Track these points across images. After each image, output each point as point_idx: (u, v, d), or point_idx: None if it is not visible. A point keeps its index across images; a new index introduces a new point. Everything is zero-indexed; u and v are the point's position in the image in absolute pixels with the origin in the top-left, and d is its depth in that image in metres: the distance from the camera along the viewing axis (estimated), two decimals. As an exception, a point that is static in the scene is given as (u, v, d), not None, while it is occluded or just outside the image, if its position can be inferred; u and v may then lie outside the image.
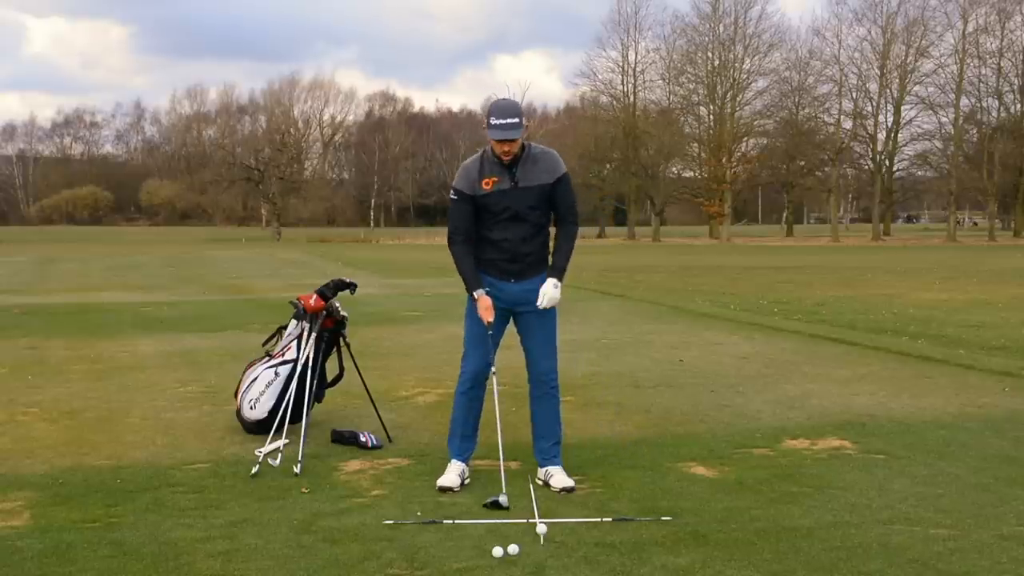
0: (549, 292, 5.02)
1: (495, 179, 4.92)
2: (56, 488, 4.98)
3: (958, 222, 72.59)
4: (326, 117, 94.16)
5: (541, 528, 4.16)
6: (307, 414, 5.77)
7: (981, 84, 64.22)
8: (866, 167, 70.79)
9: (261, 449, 5.55)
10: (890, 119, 66.87)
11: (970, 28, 62.68)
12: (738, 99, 68.90)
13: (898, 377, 8.29)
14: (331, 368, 6.31)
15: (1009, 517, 4.44)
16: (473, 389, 5.13)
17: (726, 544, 4.09)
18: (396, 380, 8.12)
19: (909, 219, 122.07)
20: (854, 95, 67.67)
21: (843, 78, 67.01)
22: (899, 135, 67.23)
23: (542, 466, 5.10)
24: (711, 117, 70.28)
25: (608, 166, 76.47)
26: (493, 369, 4.94)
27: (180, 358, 9.70)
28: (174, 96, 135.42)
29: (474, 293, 4.95)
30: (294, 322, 6.19)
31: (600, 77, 73.28)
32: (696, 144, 72.27)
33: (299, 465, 5.25)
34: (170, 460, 5.57)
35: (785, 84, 68.56)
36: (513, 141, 4.83)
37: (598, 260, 33.19)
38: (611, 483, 5.03)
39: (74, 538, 4.20)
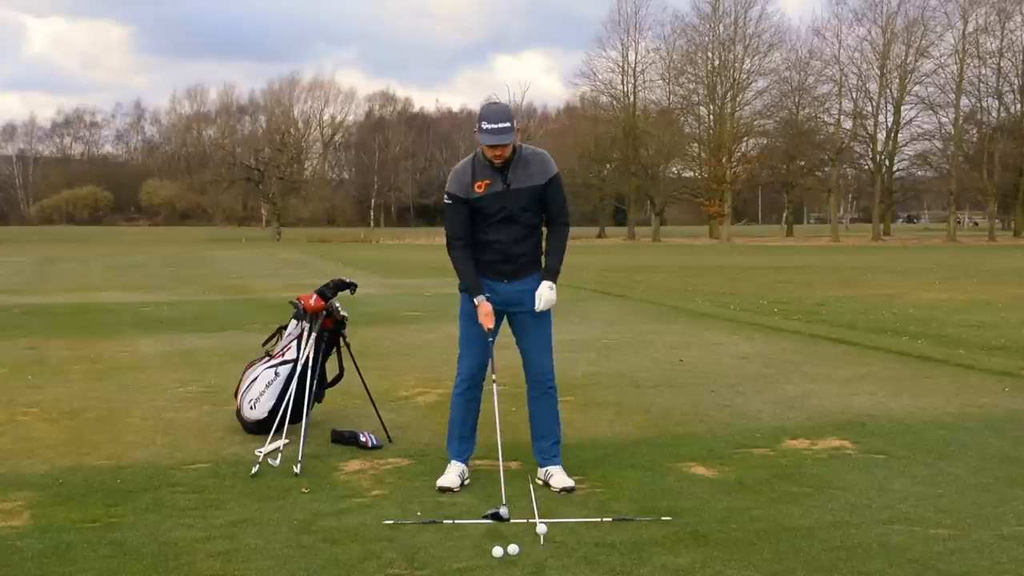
0: (545, 294, 5.02)
1: (487, 182, 4.92)
2: (56, 488, 4.98)
3: (958, 222, 72.60)
4: (326, 117, 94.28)
5: (541, 528, 4.16)
6: (307, 414, 5.77)
7: (981, 84, 64.28)
8: (866, 167, 70.79)
9: (261, 449, 5.55)
10: (890, 119, 66.97)
11: (970, 28, 62.75)
12: (738, 99, 68.90)
13: (898, 377, 8.29)
14: (331, 368, 6.31)
15: (1009, 517, 4.44)
16: (470, 390, 5.13)
17: (726, 544, 4.09)
18: (396, 380, 8.12)
19: (910, 219, 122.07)
20: (854, 95, 67.75)
21: (843, 78, 67.08)
22: (899, 135, 67.28)
23: (542, 466, 5.10)
24: (711, 117, 70.28)
25: (608, 166, 76.47)
26: (494, 377, 4.93)
27: (180, 358, 9.70)
28: (174, 96, 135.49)
29: (475, 299, 4.94)
30: (294, 322, 6.19)
31: (600, 77, 73.38)
32: (696, 144, 72.26)
33: (299, 465, 5.25)
34: (170, 460, 5.57)
35: (785, 84, 68.60)
36: (505, 146, 4.83)
37: (598, 260, 33.20)
38: (611, 483, 5.03)
39: (74, 538, 4.20)
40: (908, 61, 64.81)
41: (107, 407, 7.13)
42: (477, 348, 5.06)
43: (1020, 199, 65.74)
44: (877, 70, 65.69)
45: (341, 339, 6.21)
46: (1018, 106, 64.18)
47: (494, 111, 4.84)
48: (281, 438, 5.63)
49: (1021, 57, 63.23)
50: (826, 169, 71.07)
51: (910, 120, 66.99)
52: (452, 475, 5.00)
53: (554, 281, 5.06)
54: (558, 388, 5.21)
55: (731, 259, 35.81)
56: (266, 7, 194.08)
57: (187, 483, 5.08)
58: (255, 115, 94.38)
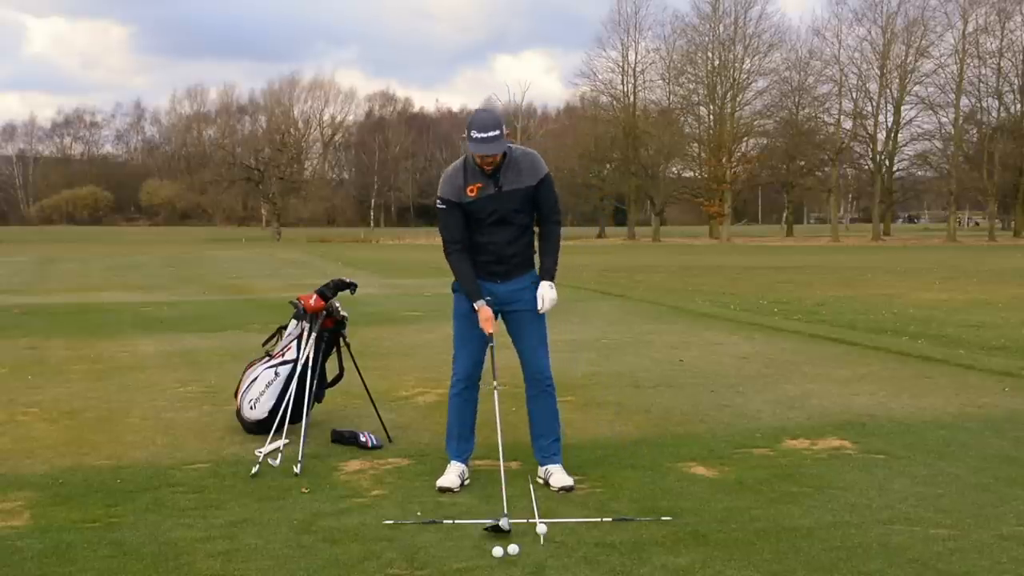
0: (547, 294, 5.03)
1: (479, 185, 4.90)
2: (56, 488, 4.98)
3: (958, 222, 72.59)
4: (326, 117, 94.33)
5: (541, 528, 4.16)
6: (307, 414, 5.77)
7: (981, 84, 64.30)
8: (866, 167, 70.79)
9: (261, 449, 5.55)
10: (890, 119, 66.99)
11: (970, 28, 62.76)
12: (738, 99, 68.91)
13: (898, 377, 8.29)
14: (331, 368, 6.31)
15: (1009, 517, 4.44)
16: (467, 390, 5.13)
17: (726, 544, 4.09)
18: (396, 380, 8.12)
19: (910, 219, 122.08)
20: (854, 95, 67.77)
21: (843, 78, 67.09)
22: (899, 135, 67.29)
23: (542, 465, 5.10)
24: (711, 117, 70.29)
25: (608, 166, 76.49)
26: (495, 384, 4.92)
27: (180, 358, 9.70)
28: (174, 96, 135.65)
29: (475, 305, 4.94)
30: (294, 322, 6.19)
31: (600, 77, 73.43)
32: (696, 144, 72.27)
33: (299, 465, 5.25)
34: (170, 460, 5.57)
35: (785, 84, 68.61)
36: (495, 155, 4.81)
37: (598, 260, 33.21)
38: (611, 483, 5.03)
39: (74, 538, 4.20)
40: (908, 61, 64.86)
41: (107, 407, 7.13)
42: (472, 348, 5.06)
43: (1020, 199, 65.74)
44: (877, 70, 65.72)
45: (341, 339, 6.21)
46: (1018, 106, 64.21)
47: (483, 119, 4.79)
48: (281, 438, 5.63)
49: (1021, 57, 63.26)
50: (826, 169, 71.08)
51: (910, 120, 67.12)
52: (452, 475, 5.00)
53: (552, 280, 5.07)
54: (557, 387, 5.21)
55: (731, 259, 35.81)
56: (266, 7, 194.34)
57: (187, 483, 5.08)
58: (255, 115, 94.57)
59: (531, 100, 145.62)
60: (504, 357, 5.02)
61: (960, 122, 64.77)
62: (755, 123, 69.81)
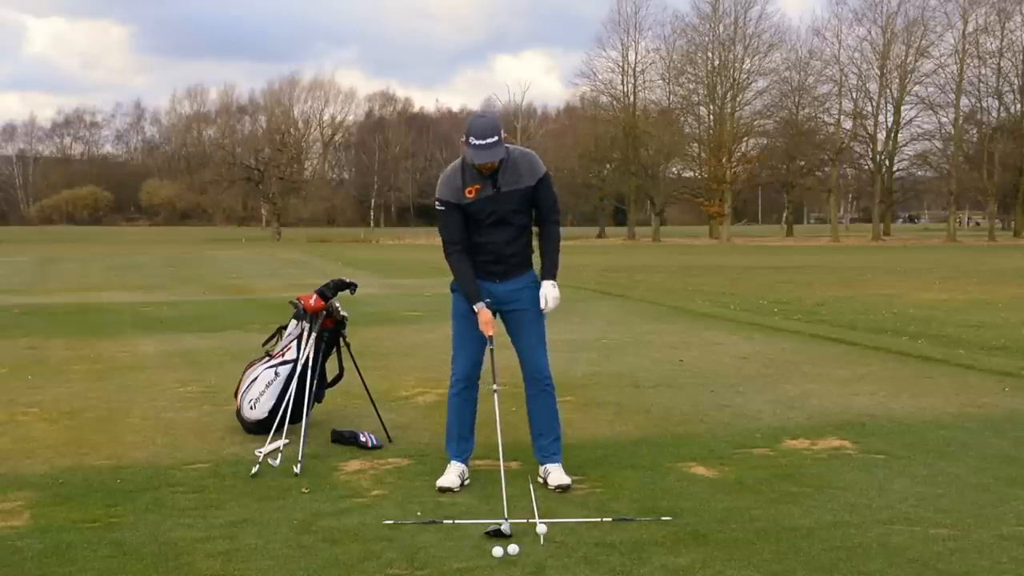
0: (550, 293, 5.03)
1: (478, 186, 4.89)
2: (56, 488, 4.98)
3: (958, 222, 72.58)
4: (326, 117, 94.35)
5: (541, 528, 4.16)
6: (307, 414, 5.77)
7: (981, 84, 64.29)
8: (866, 167, 70.79)
9: (261, 449, 5.55)
10: (890, 119, 66.98)
11: (970, 28, 62.75)
12: (738, 99, 68.91)
13: (898, 377, 8.29)
14: (331, 368, 6.31)
15: (1009, 517, 4.44)
16: (466, 390, 5.13)
17: (726, 544, 4.09)
18: (396, 380, 8.12)
19: (911, 219, 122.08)
20: (854, 95, 67.75)
21: (843, 78, 67.08)
22: (899, 135, 67.28)
23: (542, 464, 5.10)
24: (711, 117, 70.29)
25: (608, 166, 76.49)
26: (495, 386, 4.91)
27: (180, 358, 9.70)
28: (174, 96, 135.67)
29: (475, 307, 4.94)
30: (294, 322, 6.19)
31: (600, 77, 73.42)
32: (696, 144, 72.26)
33: (299, 465, 5.25)
34: (170, 460, 5.57)
35: (785, 84, 68.61)
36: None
37: (598, 260, 33.21)
38: (611, 483, 5.03)
39: (74, 538, 4.20)
40: (908, 61, 64.85)
41: (107, 407, 7.13)
42: (471, 347, 5.06)
43: (1020, 199, 65.73)
44: (877, 70, 65.71)
45: (341, 339, 6.21)
46: (1018, 106, 64.21)
47: (482, 126, 4.77)
48: (281, 438, 5.63)
49: (1021, 57, 63.25)
50: (826, 169, 71.07)
51: (910, 120, 67.11)
52: (452, 475, 5.00)
53: (555, 279, 5.07)
54: (557, 387, 5.21)
55: (731, 259, 35.82)
56: (266, 7, 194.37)
57: (187, 483, 5.08)
58: (255, 115, 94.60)
59: (531, 100, 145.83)
60: (503, 357, 5.02)
61: (960, 122, 64.77)
62: (755, 123, 69.82)
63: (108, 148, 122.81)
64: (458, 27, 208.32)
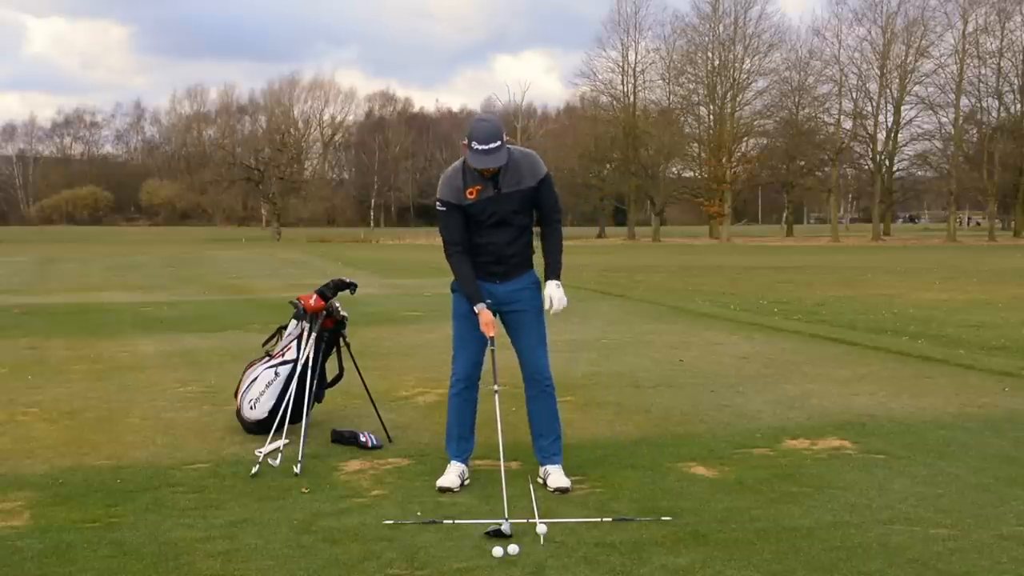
0: (554, 294, 5.03)
1: (479, 187, 4.88)
2: (56, 488, 4.98)
3: (959, 222, 72.57)
4: (326, 117, 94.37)
5: (541, 528, 4.16)
6: (307, 414, 5.77)
7: (981, 84, 64.29)
8: (866, 167, 70.79)
9: (261, 449, 5.55)
10: (890, 119, 66.98)
11: (970, 28, 62.76)
12: (738, 99, 68.91)
13: (898, 377, 8.29)
14: (331, 368, 6.31)
15: (1009, 517, 4.44)
16: (466, 390, 5.12)
17: (726, 544, 4.09)
18: (396, 380, 8.12)
19: (911, 219, 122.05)
20: (854, 95, 67.76)
21: (843, 78, 67.09)
22: (899, 135, 67.28)
23: (542, 464, 5.10)
24: (711, 117, 70.29)
25: (608, 166, 76.49)
26: (496, 387, 4.91)
27: (180, 358, 9.70)
28: (174, 96, 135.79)
29: (475, 308, 4.93)
30: (294, 322, 6.19)
31: (600, 77, 73.43)
32: (696, 144, 72.27)
33: (299, 465, 5.25)
34: (170, 460, 5.57)
35: (785, 84, 68.61)
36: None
37: (598, 260, 33.21)
38: (611, 483, 5.03)
39: (74, 538, 4.20)
40: (908, 61, 64.85)
41: (107, 407, 7.13)
42: (472, 348, 5.06)
43: (1020, 199, 65.74)
44: (877, 70, 65.72)
45: (341, 339, 6.21)
46: (1018, 106, 64.20)
47: (485, 130, 4.75)
48: (281, 438, 5.63)
49: (1021, 57, 63.25)
50: (826, 169, 71.07)
51: (910, 120, 67.11)
52: (452, 475, 5.00)
53: (558, 279, 5.07)
54: (557, 387, 5.20)
55: (731, 259, 35.82)
56: (266, 7, 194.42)
57: (187, 483, 5.08)
58: (255, 115, 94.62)
59: (531, 100, 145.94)
60: (504, 357, 5.02)
61: (960, 122, 64.77)
62: (755, 123, 69.82)
63: (108, 148, 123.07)
64: (458, 27, 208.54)
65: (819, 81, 68.66)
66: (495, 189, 4.89)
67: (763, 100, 69.96)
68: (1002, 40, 62.96)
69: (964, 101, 64.03)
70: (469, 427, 5.17)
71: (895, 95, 65.73)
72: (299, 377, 5.92)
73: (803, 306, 15.07)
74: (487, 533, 4.20)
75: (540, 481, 5.00)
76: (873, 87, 66.33)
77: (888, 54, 65.05)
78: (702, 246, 56.45)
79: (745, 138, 70.39)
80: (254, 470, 5.24)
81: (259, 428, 6.02)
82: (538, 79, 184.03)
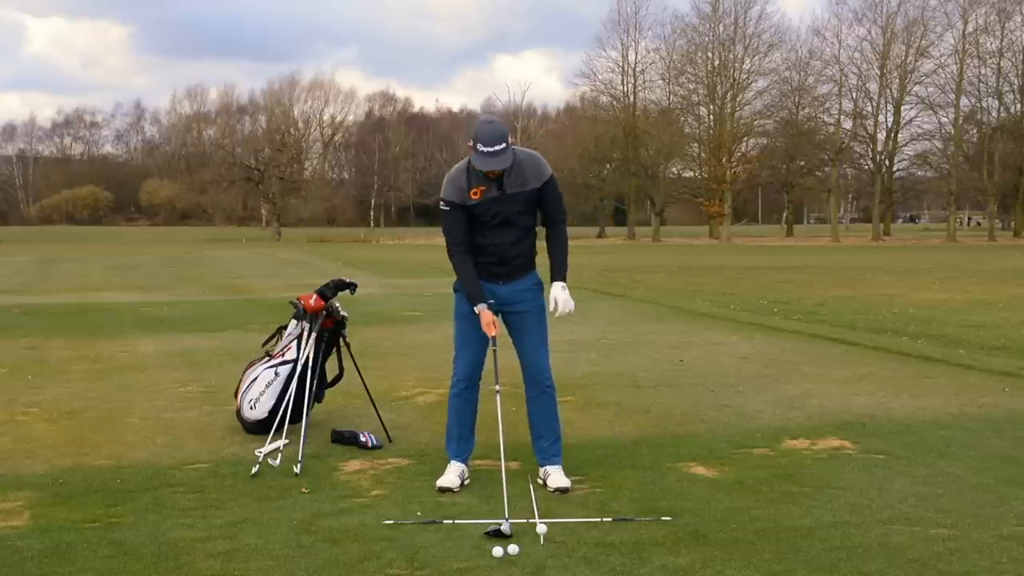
0: (560, 296, 5.03)
1: (483, 188, 4.88)
2: (56, 488, 4.98)
3: (959, 221, 72.54)
4: (326, 117, 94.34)
5: (541, 528, 4.16)
6: (307, 414, 5.77)
7: (981, 84, 64.29)
8: (866, 167, 70.79)
9: (261, 449, 5.55)
10: (890, 119, 66.97)
11: (970, 28, 62.75)
12: (738, 99, 68.90)
13: (898, 377, 8.29)
14: (331, 368, 6.31)
15: (1009, 517, 4.44)
16: (467, 390, 5.12)
17: (726, 544, 4.09)
18: (396, 380, 8.12)
19: (911, 219, 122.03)
20: (854, 95, 67.75)
21: (843, 78, 67.08)
22: (899, 135, 67.27)
23: (542, 465, 5.10)
24: (711, 117, 70.28)
25: (608, 166, 76.47)
26: (497, 387, 4.91)
27: (180, 358, 9.70)
28: (174, 96, 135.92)
29: (476, 308, 4.93)
30: (294, 322, 6.19)
31: (600, 77, 73.42)
32: (696, 144, 72.26)
33: (299, 465, 5.25)
34: (170, 460, 5.57)
35: (785, 84, 68.60)
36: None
37: (598, 260, 33.20)
38: (611, 483, 5.03)
39: (74, 538, 4.20)
40: (908, 61, 64.85)
41: (107, 407, 7.13)
42: (473, 348, 5.06)
43: (1020, 199, 65.74)
44: (877, 70, 65.71)
45: (341, 339, 6.21)
46: (1018, 106, 64.20)
47: (490, 133, 4.75)
48: (281, 438, 5.63)
49: (1021, 57, 63.25)
50: (826, 169, 71.07)
51: (910, 120, 67.11)
52: (452, 475, 5.00)
53: (564, 280, 5.07)
54: (557, 388, 5.20)
55: (731, 259, 35.82)
56: (266, 7, 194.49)
57: (187, 483, 5.08)
58: (255, 115, 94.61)
59: (531, 100, 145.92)
60: (504, 357, 5.02)
61: (960, 122, 64.77)
62: (755, 123, 69.81)
63: (108, 148, 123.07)
64: (458, 27, 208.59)
65: (819, 81, 68.77)
66: (499, 190, 4.88)
67: (763, 100, 70.06)
68: (1002, 40, 63.03)
69: (964, 101, 64.12)
70: (469, 427, 5.17)
71: (895, 95, 65.75)
72: (299, 377, 5.92)
73: (803, 306, 15.07)
74: (487, 533, 4.19)
75: (540, 481, 5.00)
76: (873, 87, 66.44)
77: (888, 54, 65.05)
78: (702, 246, 56.45)
79: (745, 138, 70.39)
80: (254, 470, 5.24)
81: (259, 428, 6.02)
82: (538, 79, 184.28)
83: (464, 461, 5.13)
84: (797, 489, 4.90)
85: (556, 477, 4.97)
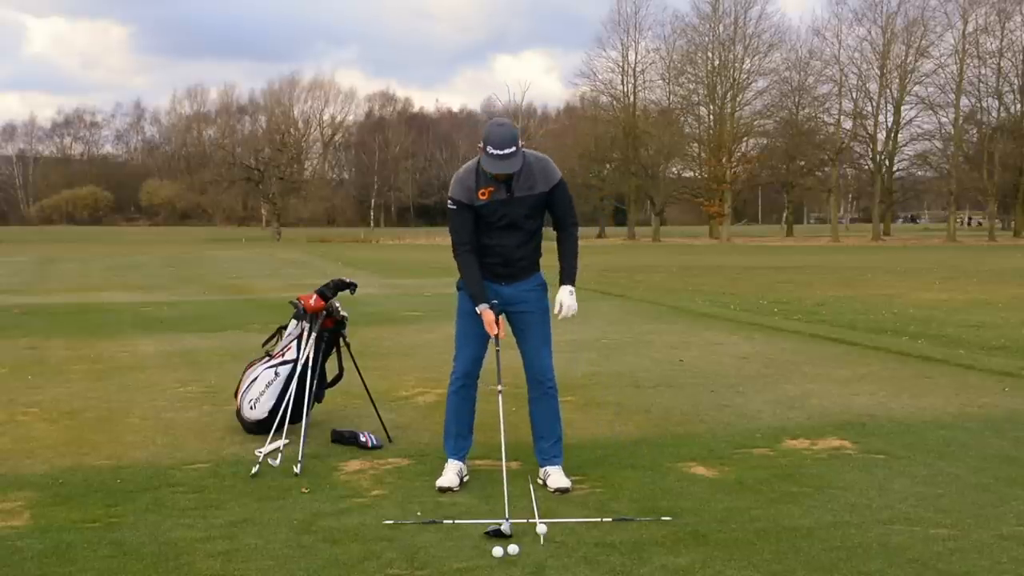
0: (565, 300, 5.04)
1: (491, 189, 4.88)
2: (56, 488, 4.98)
3: (959, 221, 72.52)
4: (326, 117, 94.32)
5: (541, 528, 4.16)
6: (307, 414, 5.77)
7: (981, 84, 64.26)
8: (866, 167, 70.78)
9: (261, 449, 5.55)
10: (890, 119, 66.96)
11: (970, 28, 62.74)
12: (738, 99, 68.90)
13: (898, 377, 8.29)
14: (331, 368, 6.31)
15: (1009, 517, 4.44)
16: (464, 388, 5.12)
17: (726, 544, 4.09)
18: (396, 380, 8.12)
19: (911, 219, 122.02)
20: (854, 95, 67.74)
21: (843, 78, 67.07)
22: (899, 135, 67.25)
23: (542, 466, 5.10)
24: (711, 117, 70.28)
25: (608, 166, 76.47)
26: (499, 388, 4.91)
27: (180, 358, 9.70)
28: (174, 96, 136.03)
29: (478, 308, 4.93)
30: (294, 322, 6.19)
31: (600, 77, 73.40)
32: (696, 144, 72.26)
33: (299, 465, 5.25)
34: (170, 460, 5.57)
35: (785, 84, 68.59)
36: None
37: (598, 260, 33.19)
38: (611, 483, 5.03)
39: (74, 538, 4.20)
40: (908, 61, 64.83)
41: (107, 407, 7.13)
42: (474, 345, 5.06)
43: (1020, 199, 65.72)
44: (877, 70, 65.70)
45: (341, 339, 6.21)
46: (1018, 106, 64.18)
47: (501, 135, 4.74)
48: (281, 438, 5.63)
49: (1021, 57, 63.23)
50: (826, 169, 71.05)
51: (910, 120, 67.08)
52: (451, 474, 5.00)
53: (573, 285, 5.06)
54: (558, 388, 5.20)
55: (731, 259, 35.81)
56: (266, 7, 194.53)
57: (187, 483, 5.08)
58: (255, 115, 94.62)
59: (531, 100, 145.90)
60: (507, 357, 5.02)
61: (960, 122, 64.75)
62: (755, 123, 69.80)
63: (108, 148, 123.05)
64: (458, 27, 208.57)
65: (819, 81, 68.75)
66: (507, 192, 4.88)
67: (763, 100, 70.04)
68: (1002, 40, 63.01)
69: (964, 101, 64.10)
70: (467, 425, 5.16)
71: (895, 95, 65.74)
72: (299, 377, 5.92)
73: (803, 306, 15.07)
74: (487, 533, 4.19)
75: (540, 481, 5.00)
76: (873, 87, 66.43)
77: (888, 54, 65.05)
78: (702, 246, 56.45)
79: (745, 138, 70.39)
80: (254, 470, 5.24)
81: (259, 428, 6.02)
82: (538, 79, 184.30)
83: (462, 459, 5.12)
84: (797, 489, 4.90)
85: (556, 477, 4.97)
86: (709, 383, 7.98)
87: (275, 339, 6.41)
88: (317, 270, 27.87)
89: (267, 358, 6.27)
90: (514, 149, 4.73)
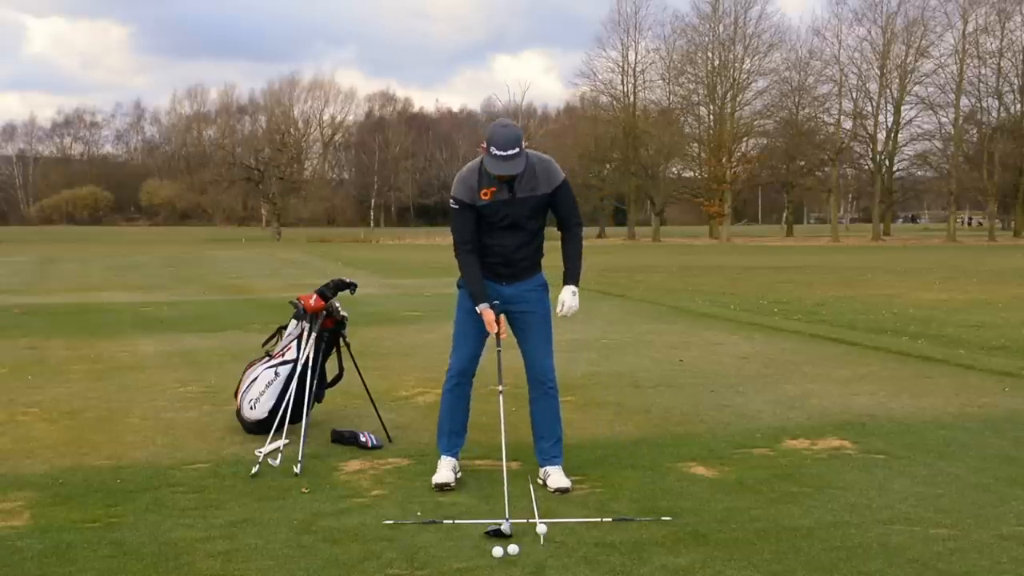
0: (568, 300, 5.04)
1: (494, 189, 4.88)
2: (56, 488, 4.98)
3: (959, 221, 72.50)
4: (326, 117, 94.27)
5: (541, 528, 4.16)
6: (307, 414, 5.77)
7: (981, 84, 64.27)
8: (866, 167, 70.78)
9: (261, 449, 5.55)
10: (890, 119, 66.96)
11: (970, 28, 62.74)
12: (738, 99, 68.90)
13: (898, 377, 8.29)
14: (331, 368, 6.31)
15: (1009, 517, 4.44)
16: (459, 386, 5.12)
17: (726, 544, 4.09)
18: (396, 380, 8.12)
19: (912, 219, 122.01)
20: (854, 95, 67.74)
21: (843, 78, 67.07)
22: (899, 135, 67.25)
23: (542, 466, 5.09)
24: (711, 117, 70.28)
25: (608, 166, 76.47)
26: (500, 388, 4.91)
27: (180, 358, 9.70)
28: (174, 96, 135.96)
29: (478, 308, 4.93)
30: (294, 322, 6.19)
31: (600, 77, 73.39)
32: (696, 144, 72.26)
33: (299, 465, 5.25)
34: (170, 460, 5.57)
35: (785, 84, 68.60)
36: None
37: (598, 260, 33.18)
38: (611, 483, 5.03)
39: (74, 538, 4.20)
40: (908, 61, 64.84)
41: (107, 407, 7.13)
42: (471, 343, 5.07)
43: (1020, 199, 65.73)
44: (877, 70, 65.70)
45: (341, 339, 6.21)
46: (1018, 106, 64.19)
47: (505, 136, 4.74)
48: (281, 438, 5.63)
49: (1021, 57, 63.24)
50: (826, 169, 71.05)
51: (910, 120, 67.09)
52: (445, 471, 5.01)
53: (577, 285, 5.06)
54: (559, 388, 5.20)
55: (731, 259, 35.81)
56: (264, 7, 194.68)
57: (187, 483, 5.08)
58: (255, 115, 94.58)
59: (531, 100, 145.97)
60: (507, 357, 5.02)
61: (960, 122, 64.76)
62: (755, 123, 69.80)
63: (108, 148, 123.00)
64: (457, 27, 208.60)
65: (819, 81, 68.76)
66: (510, 193, 4.88)
67: (763, 100, 70.04)
68: (1002, 40, 63.01)
69: (964, 101, 64.11)
70: (461, 423, 5.16)
71: (895, 95, 65.74)
72: (299, 377, 5.92)
73: (803, 306, 15.07)
74: (487, 533, 4.19)
75: (540, 481, 5.00)
76: (873, 87, 66.43)
77: (888, 54, 65.05)
78: (702, 246, 56.44)
79: (745, 138, 70.38)
80: (254, 470, 5.24)
81: (259, 428, 6.02)
82: (538, 79, 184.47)
83: (455, 455, 5.12)
84: (797, 489, 4.90)
85: (556, 478, 4.97)
86: (709, 383, 7.98)
87: (275, 339, 6.41)
88: (317, 270, 27.87)
89: (267, 358, 6.27)
90: (518, 150, 4.73)
